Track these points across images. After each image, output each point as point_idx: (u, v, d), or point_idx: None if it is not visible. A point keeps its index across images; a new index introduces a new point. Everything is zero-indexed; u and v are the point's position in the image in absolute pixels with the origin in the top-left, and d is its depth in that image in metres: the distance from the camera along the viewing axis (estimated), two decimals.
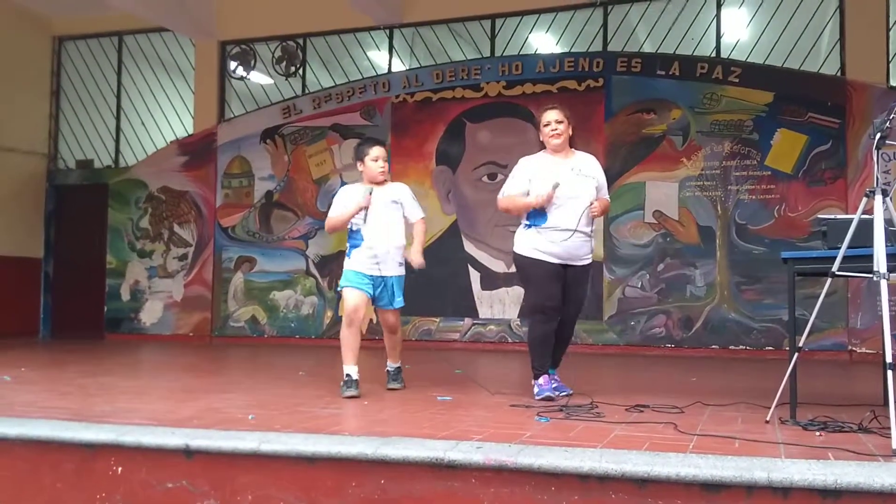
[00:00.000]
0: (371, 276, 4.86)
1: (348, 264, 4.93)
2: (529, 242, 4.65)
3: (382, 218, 4.89)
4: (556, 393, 4.56)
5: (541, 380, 4.58)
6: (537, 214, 4.62)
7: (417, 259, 4.98)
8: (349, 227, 4.96)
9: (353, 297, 4.81)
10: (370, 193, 4.85)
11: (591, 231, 4.69)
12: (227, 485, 3.10)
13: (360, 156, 5.01)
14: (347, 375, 4.73)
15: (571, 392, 4.64)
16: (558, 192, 4.52)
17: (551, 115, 4.67)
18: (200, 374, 6.60)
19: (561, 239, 4.55)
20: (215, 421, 3.66)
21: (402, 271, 4.99)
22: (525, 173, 4.69)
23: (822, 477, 2.55)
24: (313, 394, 4.86)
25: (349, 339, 4.79)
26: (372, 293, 4.89)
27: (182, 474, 3.16)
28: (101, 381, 5.67)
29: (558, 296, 4.61)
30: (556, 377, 4.72)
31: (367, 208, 4.84)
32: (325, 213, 5.22)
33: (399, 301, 4.97)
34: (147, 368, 7.33)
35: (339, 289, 5.03)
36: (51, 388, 5.16)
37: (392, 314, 5.00)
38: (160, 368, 7.28)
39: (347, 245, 5.02)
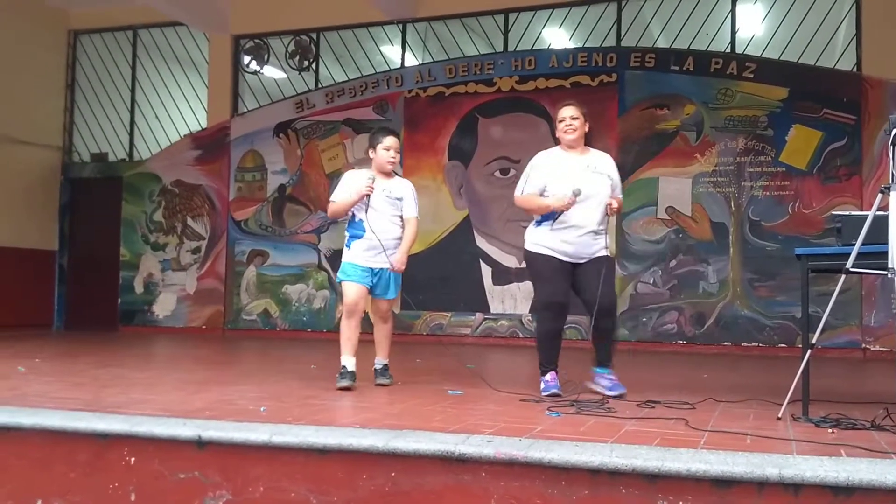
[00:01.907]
0: (370, 267, 4.87)
1: (347, 256, 4.93)
2: (541, 239, 4.65)
3: (385, 211, 4.89)
4: (612, 392, 4.44)
5: (548, 376, 4.56)
6: (552, 212, 4.62)
7: (399, 260, 4.90)
8: (351, 216, 4.96)
9: (353, 291, 4.84)
10: (372, 181, 4.81)
11: (603, 228, 4.66)
12: (238, 476, 3.12)
13: (373, 143, 4.99)
14: (343, 367, 4.77)
15: (625, 391, 4.48)
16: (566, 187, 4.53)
17: (566, 112, 4.70)
18: (213, 366, 6.63)
19: (574, 237, 4.55)
20: (227, 412, 3.68)
21: None
22: (541, 171, 4.68)
23: (834, 474, 2.53)
24: (325, 386, 4.87)
25: (348, 332, 4.85)
26: (370, 284, 4.89)
27: (194, 465, 3.17)
28: (114, 372, 5.71)
29: (567, 292, 4.61)
30: (609, 376, 4.56)
31: (369, 196, 4.80)
32: None
33: (392, 292, 4.97)
34: (160, 360, 7.38)
35: (338, 280, 5.03)
36: (64, 378, 5.20)
37: (385, 303, 4.99)
38: (173, 360, 7.32)
39: (347, 234, 5.00)
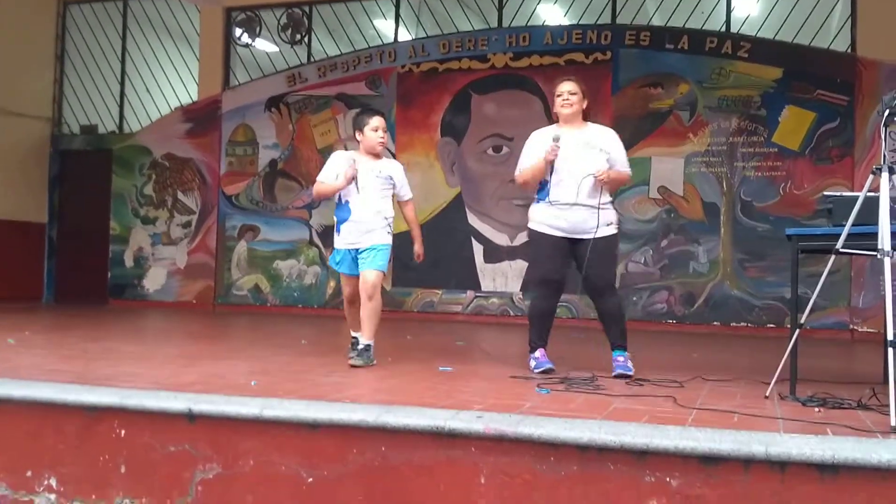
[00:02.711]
0: (357, 249, 4.80)
1: (337, 241, 4.91)
2: (538, 216, 4.66)
3: (373, 192, 4.82)
4: (614, 371, 4.42)
5: (537, 353, 4.58)
6: (543, 188, 4.63)
7: (419, 248, 5.07)
8: (338, 199, 4.90)
9: (347, 284, 4.96)
10: (354, 162, 4.76)
11: (602, 203, 4.54)
12: (229, 449, 3.13)
13: (359, 125, 4.92)
14: (354, 338, 4.95)
15: (629, 372, 4.41)
16: (558, 165, 4.50)
17: (565, 87, 4.68)
18: (203, 340, 6.63)
19: (567, 211, 4.55)
20: (218, 386, 3.68)
21: (388, 240, 4.85)
22: (536, 147, 4.66)
23: (820, 452, 2.56)
24: (316, 362, 4.89)
25: (350, 316, 5.02)
26: (357, 269, 4.81)
27: (184, 438, 3.18)
28: (104, 345, 5.71)
29: (561, 270, 4.60)
30: (619, 358, 4.51)
31: (355, 178, 4.74)
32: None
33: (370, 263, 4.73)
34: (150, 334, 7.37)
35: (329, 263, 5.06)
36: (54, 351, 5.19)
37: (370, 273, 4.72)
38: (163, 334, 7.31)
39: (335, 218, 4.97)
